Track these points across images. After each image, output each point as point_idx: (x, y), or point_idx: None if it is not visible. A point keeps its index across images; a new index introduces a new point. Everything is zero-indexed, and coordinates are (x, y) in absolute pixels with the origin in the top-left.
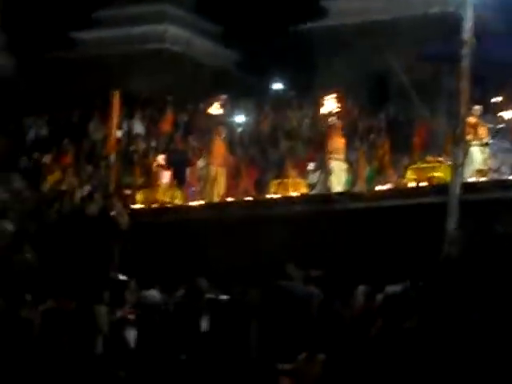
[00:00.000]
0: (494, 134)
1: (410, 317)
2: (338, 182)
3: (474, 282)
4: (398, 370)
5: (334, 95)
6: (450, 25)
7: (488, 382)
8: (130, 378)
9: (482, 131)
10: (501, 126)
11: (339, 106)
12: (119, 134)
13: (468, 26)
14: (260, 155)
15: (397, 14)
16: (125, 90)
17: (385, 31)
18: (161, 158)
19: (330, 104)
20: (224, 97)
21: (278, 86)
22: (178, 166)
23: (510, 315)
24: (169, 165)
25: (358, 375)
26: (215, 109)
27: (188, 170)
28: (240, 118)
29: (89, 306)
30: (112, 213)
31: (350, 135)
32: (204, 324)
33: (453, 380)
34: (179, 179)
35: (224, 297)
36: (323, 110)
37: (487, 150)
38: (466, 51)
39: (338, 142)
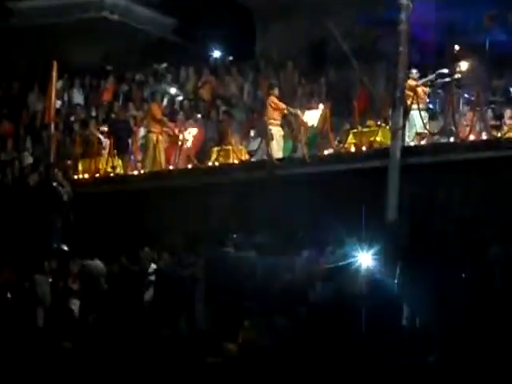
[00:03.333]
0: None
1: None
2: (279, 147)
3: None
4: None
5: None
6: None
7: None
8: (76, 348)
9: (422, 95)
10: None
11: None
12: (58, 104)
13: None
14: (201, 123)
15: None
16: (64, 60)
17: None
18: (101, 128)
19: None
20: (163, 65)
21: (217, 53)
22: (120, 136)
23: None
24: (110, 134)
25: None
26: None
27: (130, 140)
28: (180, 86)
29: (29, 277)
30: (53, 183)
31: (291, 101)
32: (148, 293)
33: None
34: (121, 148)
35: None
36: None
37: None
38: (403, 15)
39: (278, 109)
